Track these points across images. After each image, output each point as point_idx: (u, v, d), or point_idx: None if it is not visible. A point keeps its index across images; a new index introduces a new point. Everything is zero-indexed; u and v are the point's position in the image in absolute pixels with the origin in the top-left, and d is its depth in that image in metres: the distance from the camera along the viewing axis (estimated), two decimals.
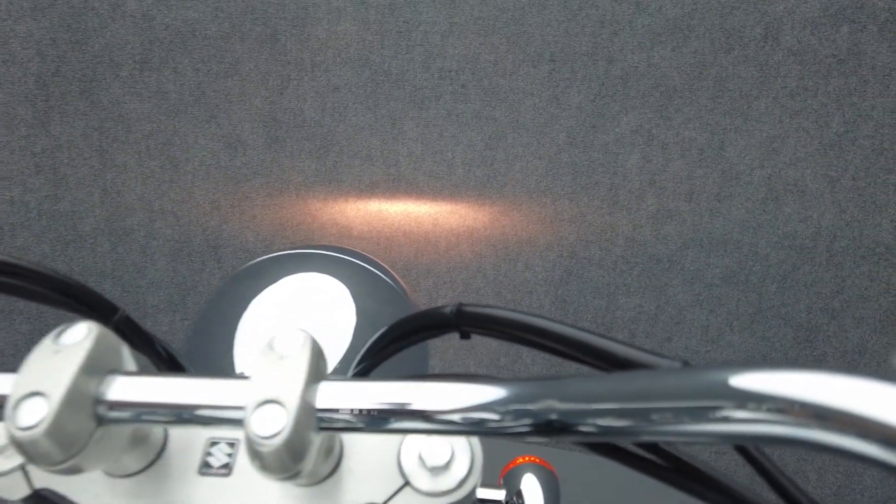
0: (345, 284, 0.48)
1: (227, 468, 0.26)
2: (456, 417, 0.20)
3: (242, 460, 0.26)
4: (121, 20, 1.21)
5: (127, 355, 0.24)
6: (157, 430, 0.26)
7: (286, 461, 0.20)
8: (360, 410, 0.20)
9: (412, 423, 0.20)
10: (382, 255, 1.43)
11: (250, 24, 1.28)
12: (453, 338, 1.39)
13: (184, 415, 0.21)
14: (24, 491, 0.25)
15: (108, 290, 1.32)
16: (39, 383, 0.20)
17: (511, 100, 1.34)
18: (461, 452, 0.26)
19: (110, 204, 1.29)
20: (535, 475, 0.53)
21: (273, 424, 0.19)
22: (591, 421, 0.18)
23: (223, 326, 0.44)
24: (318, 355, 0.22)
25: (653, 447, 0.24)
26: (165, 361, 0.35)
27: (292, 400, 0.20)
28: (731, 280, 1.38)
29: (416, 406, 0.20)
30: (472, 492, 0.25)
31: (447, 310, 0.27)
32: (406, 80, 1.35)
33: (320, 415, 0.21)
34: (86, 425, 0.21)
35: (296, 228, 1.39)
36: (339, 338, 0.44)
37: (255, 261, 0.50)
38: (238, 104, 1.32)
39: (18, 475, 0.25)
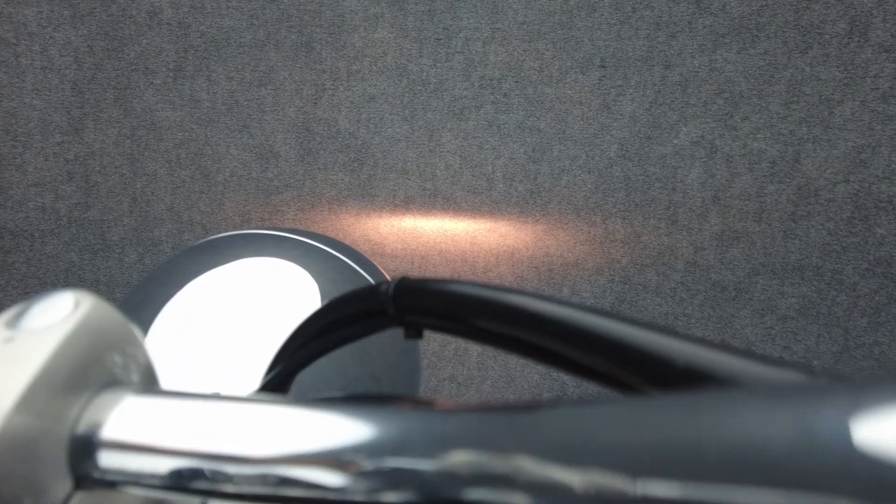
0: (313, 277, 0.37)
1: None
2: (272, 472, 0.10)
3: None
4: (157, 28, 1.19)
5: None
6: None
7: None
8: (146, 447, 0.11)
9: (204, 482, 0.10)
10: (416, 273, 1.34)
11: (285, 32, 1.24)
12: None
13: None
14: None
15: None
16: None
17: (557, 109, 1.24)
18: None
19: (139, 213, 1.26)
20: None
21: None
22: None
23: (142, 315, 0.34)
24: (102, 339, 0.12)
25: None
26: None
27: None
28: (809, 312, 1.20)
29: (223, 448, 0.11)
30: None
31: (383, 287, 0.17)
32: (445, 90, 1.28)
33: (104, 454, 0.11)
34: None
35: None
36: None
37: (211, 237, 0.41)
38: (271, 114, 1.28)
39: None
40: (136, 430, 0.11)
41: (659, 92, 1.21)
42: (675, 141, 1.22)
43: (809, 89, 1.14)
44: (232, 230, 1.38)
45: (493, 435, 0.08)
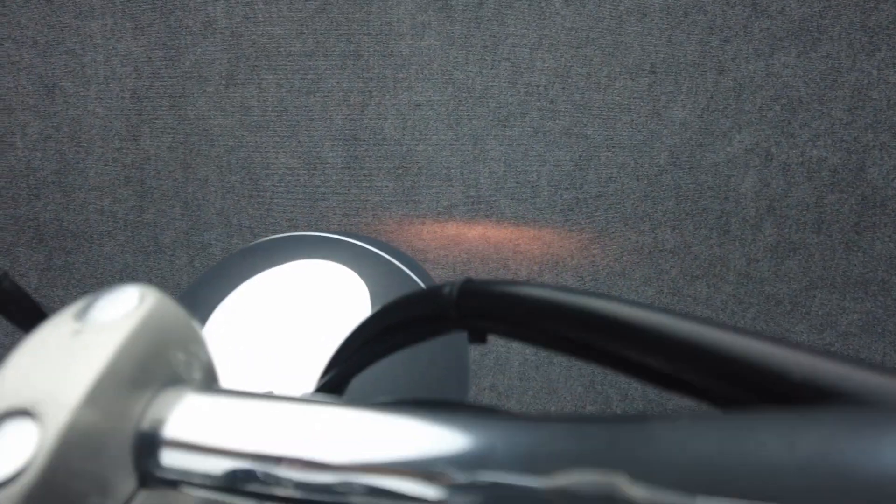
0: (363, 279, 0.37)
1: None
2: (358, 481, 0.09)
3: None
4: (211, 38, 1.23)
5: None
6: None
7: None
8: (218, 450, 0.10)
9: (278, 488, 0.10)
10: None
11: (334, 41, 1.26)
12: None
13: None
14: None
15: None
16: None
17: (605, 115, 1.22)
18: None
19: (190, 217, 1.30)
20: None
21: (9, 458, 0.09)
22: None
23: (197, 312, 0.35)
24: (167, 336, 0.11)
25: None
26: None
27: (57, 411, 0.10)
28: (874, 329, 1.14)
29: (301, 453, 0.10)
30: None
31: (446, 290, 0.16)
32: (490, 97, 1.27)
33: (167, 453, 0.11)
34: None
35: None
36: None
37: (261, 239, 0.42)
38: (319, 121, 1.30)
39: None
40: (200, 428, 0.11)
41: (711, 98, 1.17)
42: (729, 148, 1.18)
43: (876, 93, 1.09)
44: (281, 233, 1.40)
45: (609, 451, 0.07)
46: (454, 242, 1.32)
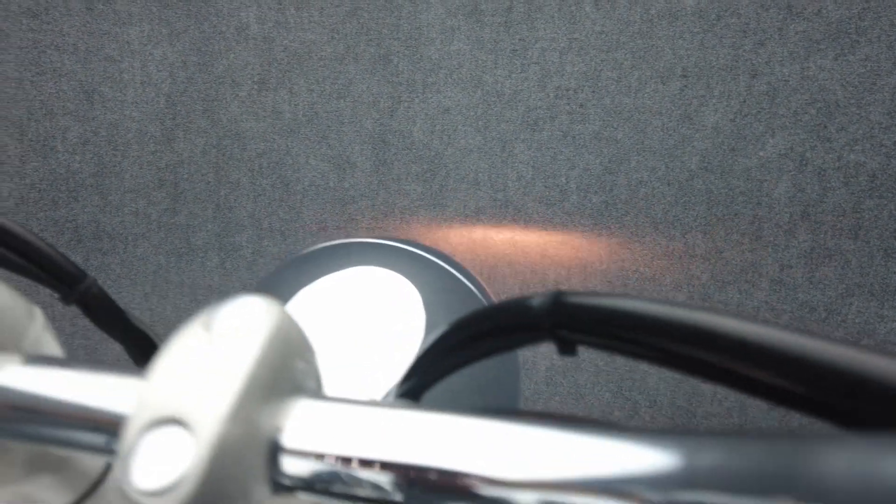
0: (415, 285, 0.37)
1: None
2: (534, 498, 0.09)
3: None
4: (244, 43, 1.25)
5: (39, 335, 0.15)
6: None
7: None
8: (359, 459, 0.11)
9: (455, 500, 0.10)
10: (485, 285, 1.33)
11: (364, 46, 1.27)
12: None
13: (42, 428, 0.12)
14: None
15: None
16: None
17: (636, 119, 1.21)
18: None
19: (222, 219, 1.32)
20: None
21: (167, 467, 0.10)
22: None
23: None
24: (289, 347, 0.12)
25: None
26: (144, 352, 0.26)
27: (210, 422, 0.10)
28: None
29: (461, 463, 0.10)
30: None
31: (536, 302, 0.16)
32: (519, 101, 1.27)
33: (284, 460, 0.11)
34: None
35: None
36: (399, 353, 0.34)
37: (316, 246, 0.42)
38: (349, 125, 1.31)
39: None
40: (328, 437, 0.11)
41: (744, 102, 1.15)
42: (762, 153, 1.16)
43: None
44: (323, 240, 1.41)
45: (761, 467, 0.07)
46: (482, 246, 1.32)
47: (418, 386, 0.19)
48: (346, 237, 1.37)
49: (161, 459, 0.10)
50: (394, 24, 1.27)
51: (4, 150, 1.27)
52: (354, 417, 0.11)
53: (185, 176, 1.30)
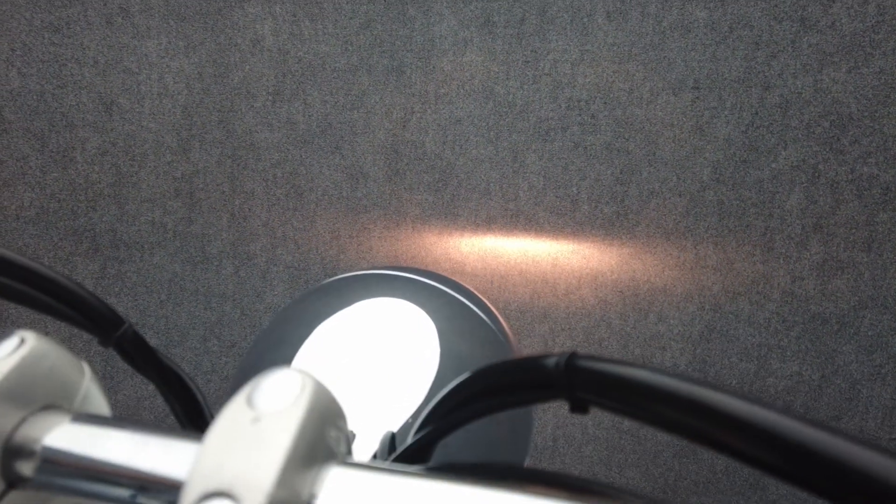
0: (430, 316, 0.38)
1: None
2: None
3: None
4: (259, 55, 1.27)
5: (91, 391, 0.16)
6: None
7: None
8: None
9: None
10: (496, 294, 1.34)
11: (377, 57, 1.29)
12: None
13: (103, 491, 0.13)
14: None
15: (229, 312, 1.36)
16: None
17: (647, 130, 1.22)
18: None
19: (237, 228, 1.33)
20: None
21: None
22: None
23: (279, 354, 0.37)
24: (323, 418, 0.13)
25: None
26: (176, 393, 0.28)
27: (256, 496, 0.11)
28: None
29: None
30: None
31: (552, 361, 0.17)
32: (531, 112, 1.28)
33: None
34: None
35: (410, 262, 1.35)
36: (414, 385, 0.35)
37: (333, 278, 0.43)
38: (362, 136, 1.33)
39: None
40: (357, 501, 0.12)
41: (756, 114, 1.16)
42: (774, 165, 1.16)
43: None
44: (337, 250, 1.42)
45: None
46: (492, 255, 1.33)
47: (431, 437, 0.20)
48: (362, 266, 1.38)
49: None
50: (407, 36, 1.29)
51: (26, 160, 1.29)
52: (378, 485, 0.12)
53: (201, 186, 1.32)
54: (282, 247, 1.35)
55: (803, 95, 1.13)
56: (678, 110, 1.20)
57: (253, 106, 1.30)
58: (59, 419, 0.15)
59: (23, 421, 0.14)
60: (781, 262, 1.19)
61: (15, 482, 0.14)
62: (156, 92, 1.28)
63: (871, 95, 1.09)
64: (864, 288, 1.13)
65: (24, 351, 0.15)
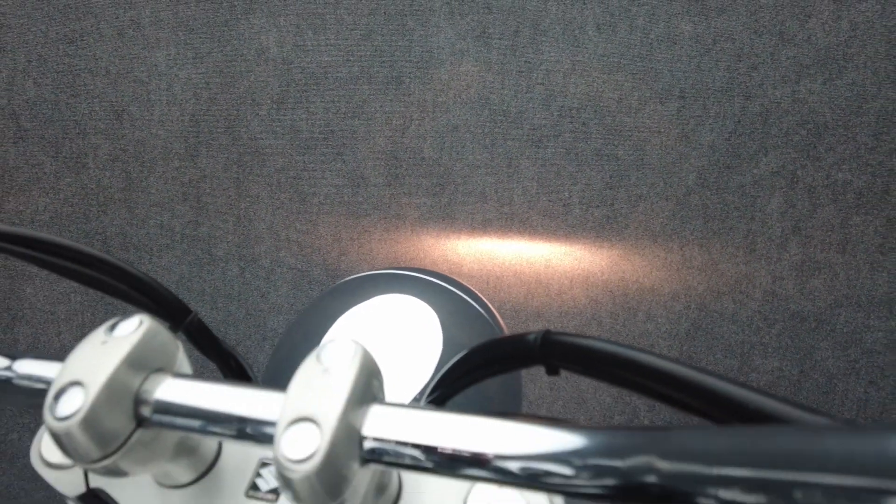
0: (434, 309, 0.45)
1: (274, 493, 0.23)
2: (517, 466, 0.15)
3: None
4: (264, 65, 1.32)
5: (182, 358, 0.22)
6: (207, 443, 0.24)
7: (319, 492, 0.16)
8: (413, 444, 0.17)
9: (469, 469, 0.16)
10: (491, 294, 1.40)
11: (378, 67, 1.34)
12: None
13: (216, 430, 0.19)
14: (79, 488, 0.24)
15: (234, 312, 1.41)
16: (81, 373, 0.18)
17: (636, 138, 1.27)
18: None
19: (242, 231, 1.38)
20: None
21: (305, 447, 0.16)
22: (704, 490, 0.13)
23: (307, 342, 0.43)
24: (370, 372, 0.18)
25: None
26: (233, 370, 0.33)
27: (330, 420, 0.17)
28: None
29: (474, 447, 0.16)
30: None
31: (531, 337, 0.23)
32: (525, 119, 1.33)
33: (367, 444, 0.17)
34: (124, 423, 0.19)
35: (409, 263, 1.40)
36: (421, 366, 0.41)
37: (348, 278, 0.49)
38: (363, 143, 1.38)
39: (78, 471, 0.24)
40: (394, 429, 0.18)
41: (739, 122, 1.22)
42: (755, 171, 1.22)
43: None
44: (339, 253, 1.46)
45: (633, 443, 0.13)
46: (488, 257, 1.38)
47: (443, 396, 0.26)
48: (371, 267, 1.43)
49: (301, 442, 0.16)
50: (406, 47, 1.34)
51: (41, 167, 1.34)
52: (406, 416, 0.18)
53: (208, 190, 1.37)
54: (285, 249, 1.40)
55: (782, 105, 1.19)
56: (665, 118, 1.26)
57: (258, 114, 1.35)
58: (166, 378, 0.20)
59: (145, 379, 0.20)
60: (763, 262, 1.25)
61: (141, 423, 0.19)
62: (165, 100, 1.33)
63: (844, 105, 1.15)
64: (839, 287, 1.20)
65: (143, 329, 0.20)
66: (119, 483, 0.24)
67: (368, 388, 0.18)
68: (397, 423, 0.17)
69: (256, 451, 0.25)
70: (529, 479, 0.15)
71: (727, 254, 1.26)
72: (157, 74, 1.32)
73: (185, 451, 0.22)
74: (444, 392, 0.27)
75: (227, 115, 1.35)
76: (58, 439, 0.18)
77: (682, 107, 1.24)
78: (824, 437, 0.11)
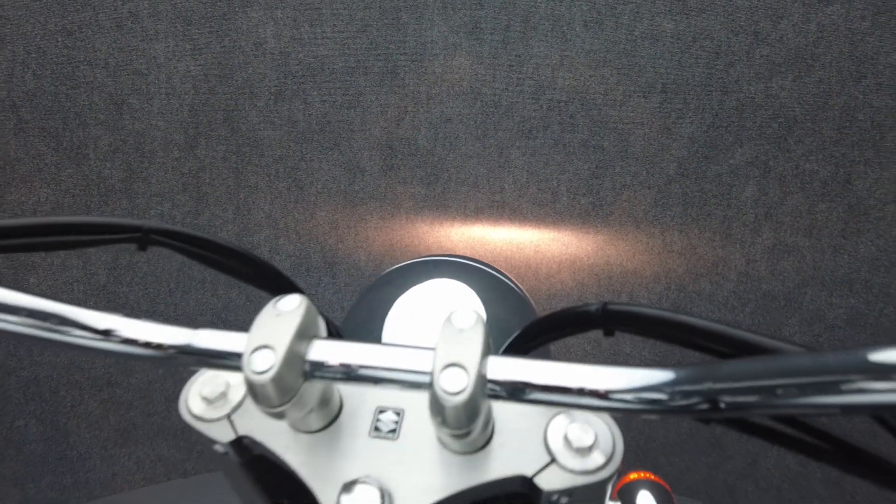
0: (475, 290, 0.51)
1: (394, 433, 0.28)
2: (630, 397, 0.22)
3: (407, 427, 0.29)
4: (261, 57, 1.35)
5: (322, 325, 0.27)
6: (336, 396, 0.29)
7: (462, 419, 0.22)
8: (530, 384, 0.23)
9: (586, 400, 0.22)
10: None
11: (373, 60, 1.38)
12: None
13: (379, 376, 0.24)
14: (230, 436, 0.29)
15: (234, 298, 1.45)
16: (268, 339, 0.23)
17: (620, 129, 1.35)
18: (603, 438, 0.27)
19: (241, 220, 1.42)
20: (651, 492, 0.52)
21: (456, 384, 0.22)
22: (744, 399, 0.19)
23: (372, 322, 0.49)
24: (488, 333, 0.25)
25: (809, 429, 0.25)
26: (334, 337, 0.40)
27: (473, 366, 0.22)
28: (857, 322, 1.28)
29: (590, 386, 0.22)
30: (613, 475, 0.27)
31: (593, 308, 0.30)
32: (515, 112, 1.39)
33: (490, 386, 0.23)
34: (297, 379, 0.24)
35: (404, 250, 1.46)
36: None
37: (401, 264, 0.55)
38: (359, 133, 1.42)
39: (226, 423, 0.29)
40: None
41: (717, 116, 1.30)
42: (731, 161, 1.31)
43: (862, 115, 1.22)
44: (335, 240, 1.50)
45: (700, 375, 0.20)
46: (480, 243, 1.45)
47: (518, 353, 0.33)
48: (370, 253, 1.47)
49: (453, 380, 0.22)
50: (401, 41, 1.38)
51: (42, 158, 1.35)
52: (521, 363, 0.24)
53: (207, 180, 1.40)
54: (284, 237, 1.44)
55: (756, 100, 1.27)
56: (647, 111, 1.33)
57: (256, 105, 1.38)
58: (320, 341, 0.26)
59: (310, 344, 0.25)
60: (738, 246, 1.34)
61: (307, 377, 0.25)
62: (164, 92, 1.35)
63: (812, 101, 1.24)
64: (805, 269, 1.30)
65: (304, 305, 0.25)
66: (262, 429, 0.29)
67: (488, 343, 0.25)
68: (512, 368, 0.24)
69: (373, 402, 0.30)
70: (635, 405, 0.22)
71: (705, 238, 1.35)
72: (156, 66, 1.33)
73: (323, 401, 0.28)
74: (519, 351, 0.34)
75: (225, 106, 1.38)
76: (253, 389, 0.23)
77: (664, 101, 1.32)
78: (814, 356, 0.18)
